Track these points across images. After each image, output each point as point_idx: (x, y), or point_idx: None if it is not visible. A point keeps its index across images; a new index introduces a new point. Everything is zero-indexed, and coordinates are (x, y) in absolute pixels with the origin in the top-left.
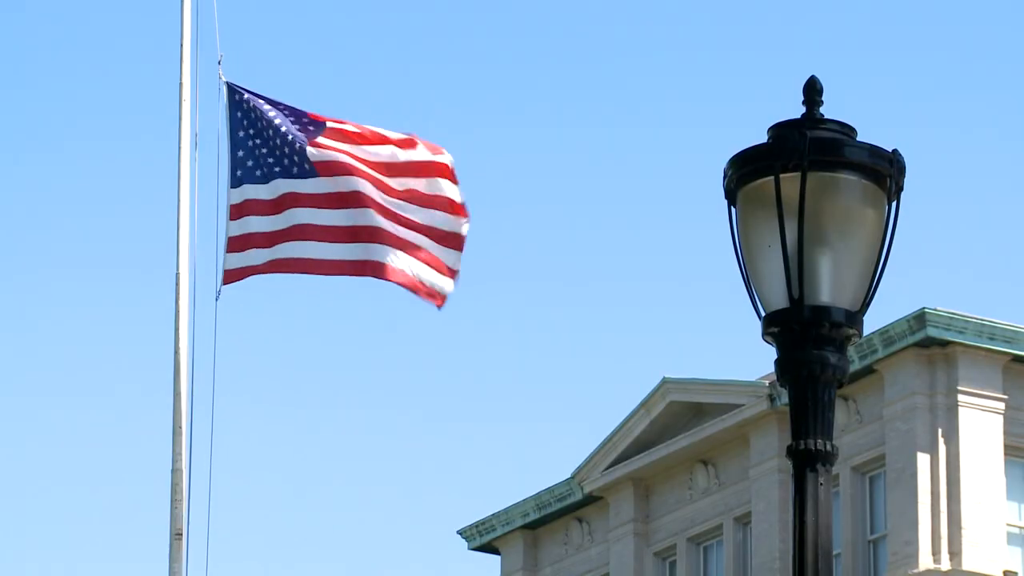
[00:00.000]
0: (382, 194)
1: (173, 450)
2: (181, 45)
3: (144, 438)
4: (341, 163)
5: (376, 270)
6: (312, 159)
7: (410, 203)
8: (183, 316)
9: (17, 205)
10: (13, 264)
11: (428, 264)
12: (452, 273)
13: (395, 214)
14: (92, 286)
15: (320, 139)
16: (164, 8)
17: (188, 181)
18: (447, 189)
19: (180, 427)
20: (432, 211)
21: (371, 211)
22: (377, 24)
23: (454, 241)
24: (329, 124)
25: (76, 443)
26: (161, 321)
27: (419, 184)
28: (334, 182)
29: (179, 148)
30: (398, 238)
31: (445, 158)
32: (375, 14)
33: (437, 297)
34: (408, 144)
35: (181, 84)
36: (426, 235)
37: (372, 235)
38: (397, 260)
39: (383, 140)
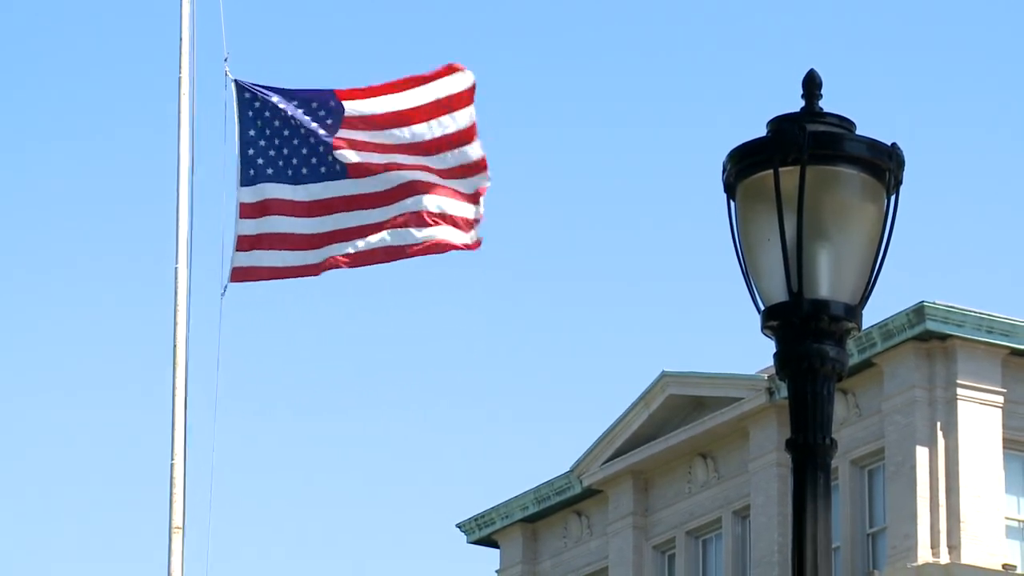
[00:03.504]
0: (403, 172)
1: (172, 444)
2: (180, 40)
3: (146, 433)
4: (367, 164)
5: (400, 253)
6: (342, 160)
7: (426, 171)
8: (181, 311)
9: (17, 205)
10: (14, 263)
11: (446, 223)
12: (469, 224)
13: (416, 185)
14: (93, 284)
15: (342, 132)
16: (166, 7)
17: (187, 176)
18: (461, 120)
19: (178, 421)
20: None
21: (394, 204)
22: (380, 23)
23: (470, 170)
24: (348, 109)
25: (77, 440)
26: (164, 318)
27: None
28: (360, 183)
29: (178, 143)
30: (415, 214)
31: (463, 81)
32: (379, 14)
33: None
34: (422, 81)
35: (180, 80)
36: (445, 195)
37: (401, 221)
38: (419, 234)
39: (406, 118)
